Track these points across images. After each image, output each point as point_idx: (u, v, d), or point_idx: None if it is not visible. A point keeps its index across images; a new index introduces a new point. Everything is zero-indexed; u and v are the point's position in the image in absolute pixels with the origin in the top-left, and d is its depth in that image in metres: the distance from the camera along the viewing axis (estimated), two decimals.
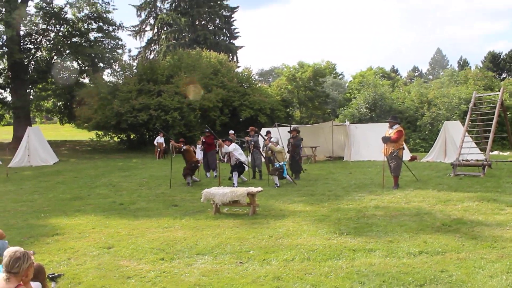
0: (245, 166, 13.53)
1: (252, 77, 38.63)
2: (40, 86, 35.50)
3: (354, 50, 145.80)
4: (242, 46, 51.62)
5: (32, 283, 4.23)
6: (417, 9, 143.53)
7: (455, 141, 17.37)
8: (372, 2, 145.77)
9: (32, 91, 35.36)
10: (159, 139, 25.25)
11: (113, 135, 32.78)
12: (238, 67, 43.61)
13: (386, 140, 11.35)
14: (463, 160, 14.26)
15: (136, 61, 44.70)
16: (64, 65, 34.55)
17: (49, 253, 6.24)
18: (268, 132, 15.98)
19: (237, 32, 51.76)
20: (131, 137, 32.99)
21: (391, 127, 11.52)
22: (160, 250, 6.22)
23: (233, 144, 13.63)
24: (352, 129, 21.47)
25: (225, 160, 17.84)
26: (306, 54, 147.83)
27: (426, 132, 26.14)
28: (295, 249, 6.03)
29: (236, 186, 11.63)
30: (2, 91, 34.72)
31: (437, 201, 9.25)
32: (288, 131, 15.42)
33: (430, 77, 64.92)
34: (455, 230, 6.76)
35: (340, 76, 48.37)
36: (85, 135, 34.50)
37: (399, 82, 38.83)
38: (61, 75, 34.59)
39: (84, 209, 9.82)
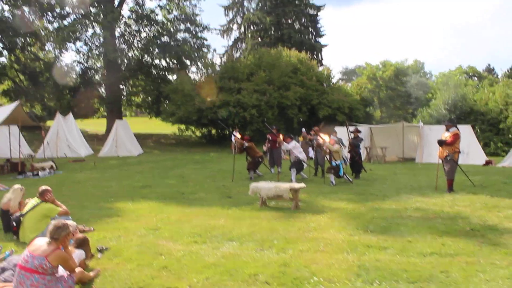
0: (304, 163, 14.03)
1: (332, 76, 38.66)
2: (131, 82, 38.41)
3: (448, 48, 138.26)
4: (326, 45, 51.44)
5: (77, 251, 5.22)
6: None
7: None
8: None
9: (124, 87, 38.35)
10: (236, 134, 26.30)
11: (195, 130, 34.65)
12: (322, 65, 43.71)
13: (441, 143, 11.31)
14: None
15: (223, 58, 46.62)
16: (153, 63, 37.08)
17: (106, 230, 7.29)
18: (335, 131, 16.31)
19: (323, 31, 51.78)
20: (212, 132, 34.63)
21: (447, 130, 11.44)
22: (197, 234, 7.00)
23: (293, 142, 14.17)
24: (426, 131, 21.03)
25: (285, 156, 18.42)
26: (396, 52, 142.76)
27: (510, 135, 24.68)
28: (315, 241, 6.51)
29: (294, 183, 12.16)
30: (99, 86, 38.01)
31: (483, 206, 9.13)
32: (351, 132, 15.63)
33: None
34: (481, 235, 6.78)
35: (428, 76, 46.75)
36: (172, 129, 36.71)
37: (484, 83, 36.75)
38: (150, 72, 37.20)
39: (148, 196, 10.96)
